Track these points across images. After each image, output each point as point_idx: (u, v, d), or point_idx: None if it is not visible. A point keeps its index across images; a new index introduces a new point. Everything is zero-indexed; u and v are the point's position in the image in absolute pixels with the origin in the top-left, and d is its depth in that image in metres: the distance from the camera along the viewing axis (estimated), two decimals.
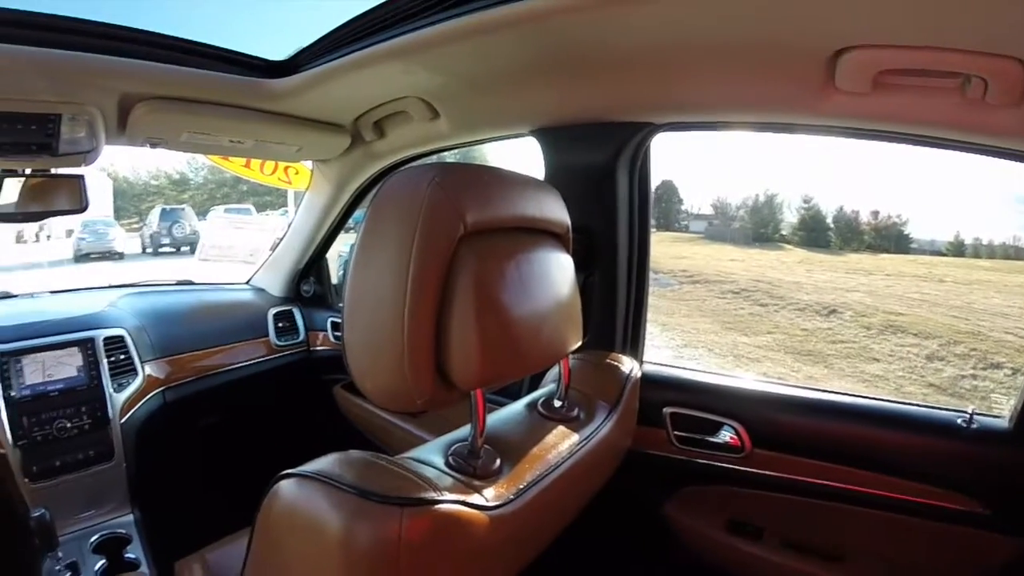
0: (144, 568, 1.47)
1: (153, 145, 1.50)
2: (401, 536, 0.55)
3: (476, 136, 1.57)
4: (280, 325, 2.08)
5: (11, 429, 1.42)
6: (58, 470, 1.47)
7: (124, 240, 16.12)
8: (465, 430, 0.73)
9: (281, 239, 2.22)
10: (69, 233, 16.20)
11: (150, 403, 1.68)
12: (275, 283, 2.22)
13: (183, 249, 16.10)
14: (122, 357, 1.64)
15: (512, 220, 0.70)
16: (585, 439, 0.85)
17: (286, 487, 0.60)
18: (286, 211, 11.83)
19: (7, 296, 1.85)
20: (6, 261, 13.73)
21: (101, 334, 1.63)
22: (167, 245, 16.47)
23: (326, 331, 2.10)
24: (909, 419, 1.11)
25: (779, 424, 1.17)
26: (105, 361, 1.60)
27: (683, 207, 13.44)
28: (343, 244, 2.20)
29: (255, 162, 6.10)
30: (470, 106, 1.37)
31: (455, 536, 0.60)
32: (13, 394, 1.45)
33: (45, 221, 1.97)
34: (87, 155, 1.27)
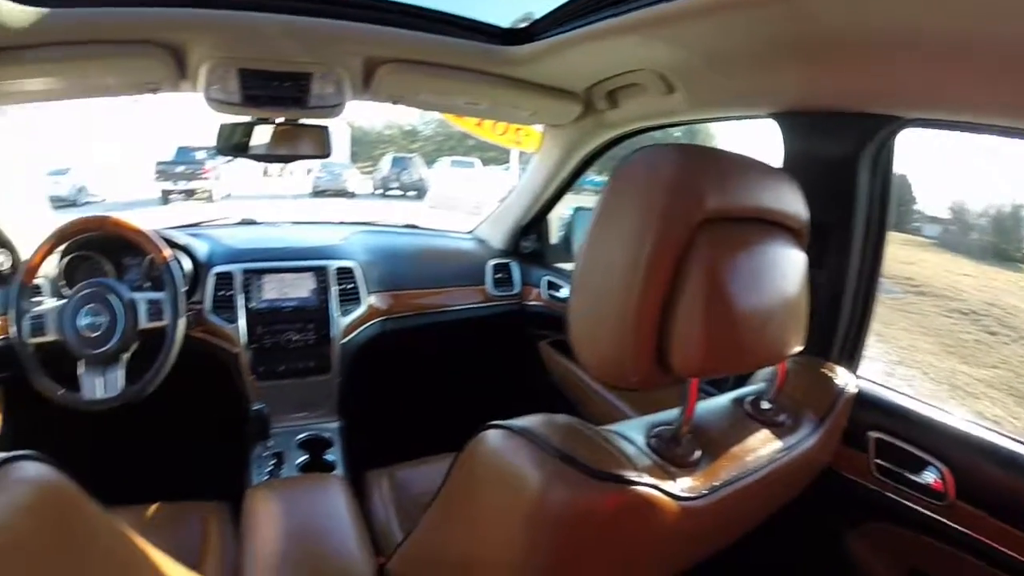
0: (339, 471, 1.61)
1: (395, 102, 1.60)
2: (594, 507, 0.56)
3: (712, 114, 1.48)
4: (497, 276, 2.15)
5: (247, 334, 1.65)
6: (280, 374, 1.68)
7: (357, 181, 18.12)
8: (670, 414, 0.72)
9: (508, 195, 2.28)
10: (308, 171, 18.79)
11: (369, 330, 1.84)
12: (497, 236, 2.28)
13: (409, 193, 17.80)
14: (350, 286, 1.80)
15: (749, 210, 0.66)
16: (787, 448, 0.80)
17: (493, 436, 0.63)
18: (508, 167, 12.29)
19: (252, 223, 2.14)
20: (254, 191, 16.22)
21: (334, 264, 1.79)
22: (395, 188, 18.33)
23: (540, 288, 2.12)
24: None
25: (990, 478, 0.97)
26: (335, 288, 1.76)
27: (916, 207, 11.47)
28: (565, 206, 2.23)
29: (487, 121, 6.34)
30: (708, 83, 1.29)
31: (643, 519, 0.60)
32: (252, 305, 1.66)
33: None
34: (333, 109, 1.40)
